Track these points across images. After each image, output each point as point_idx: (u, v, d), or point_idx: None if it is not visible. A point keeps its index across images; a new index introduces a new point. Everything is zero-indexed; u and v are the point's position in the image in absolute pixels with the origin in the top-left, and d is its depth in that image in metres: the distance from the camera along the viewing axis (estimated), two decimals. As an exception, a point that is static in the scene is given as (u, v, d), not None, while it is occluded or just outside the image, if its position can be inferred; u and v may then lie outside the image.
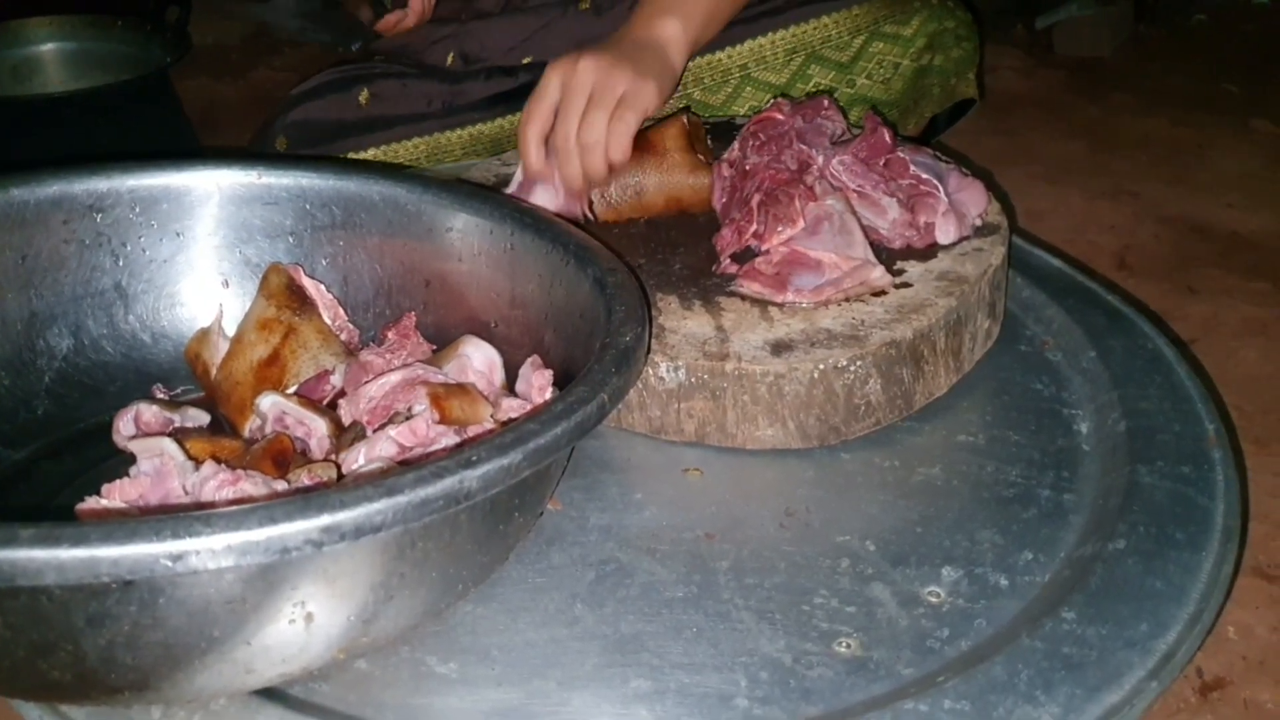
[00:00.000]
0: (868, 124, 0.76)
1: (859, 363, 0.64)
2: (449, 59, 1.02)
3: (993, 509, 0.62)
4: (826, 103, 0.79)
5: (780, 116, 0.77)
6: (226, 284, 0.69)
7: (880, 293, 0.69)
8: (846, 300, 0.68)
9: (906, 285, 0.70)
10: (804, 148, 0.74)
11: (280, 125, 1.01)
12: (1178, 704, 0.69)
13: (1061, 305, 0.78)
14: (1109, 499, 0.61)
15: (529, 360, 0.60)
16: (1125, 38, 1.80)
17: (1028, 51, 1.76)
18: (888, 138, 0.74)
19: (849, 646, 0.53)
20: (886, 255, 0.72)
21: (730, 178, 0.75)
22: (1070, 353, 0.75)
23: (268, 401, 0.61)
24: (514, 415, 0.58)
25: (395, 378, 0.60)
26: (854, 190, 0.72)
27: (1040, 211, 1.27)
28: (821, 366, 0.64)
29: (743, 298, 0.69)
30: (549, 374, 0.59)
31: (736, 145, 0.77)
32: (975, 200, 0.75)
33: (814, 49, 0.96)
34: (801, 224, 0.68)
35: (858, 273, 0.68)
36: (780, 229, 0.68)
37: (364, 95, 1.01)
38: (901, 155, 0.75)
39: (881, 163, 0.74)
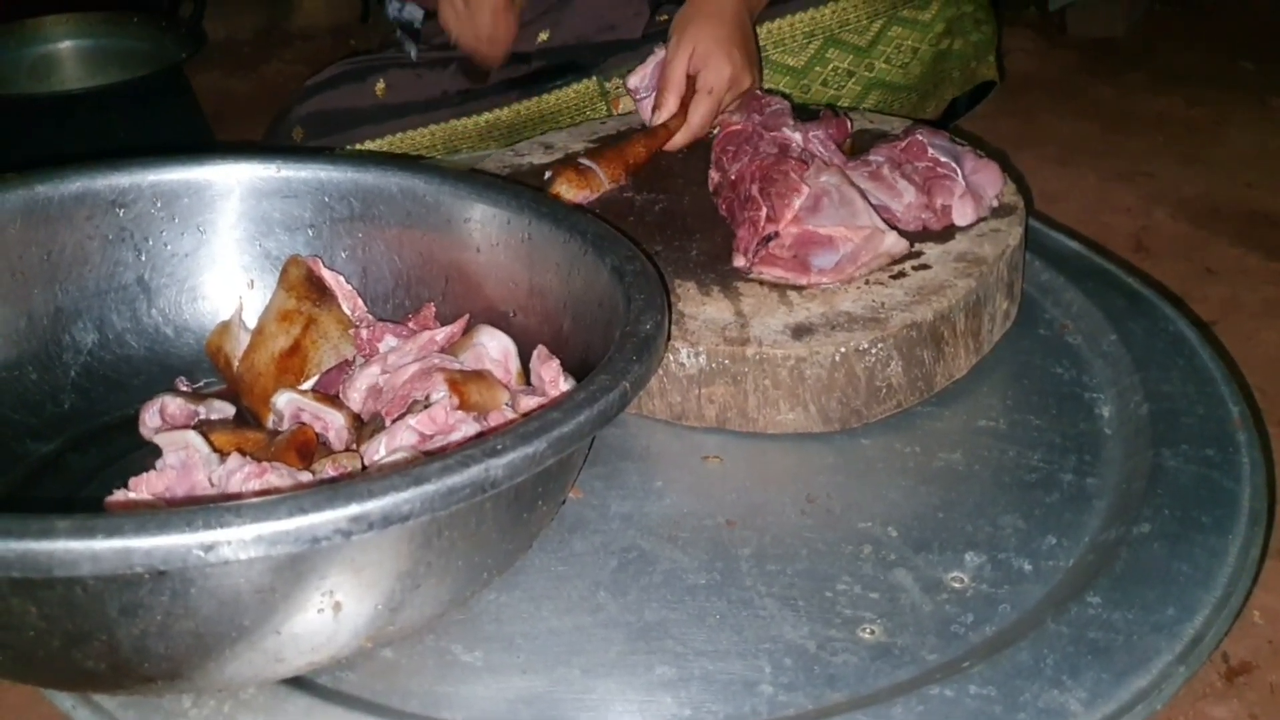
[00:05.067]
0: (825, 113, 0.79)
1: (880, 345, 0.64)
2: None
3: (1015, 494, 0.62)
4: (762, 95, 0.82)
5: (738, 125, 0.78)
6: (252, 285, 0.70)
7: (900, 274, 0.69)
8: (867, 282, 0.68)
9: (925, 267, 0.69)
10: (776, 134, 0.75)
11: (296, 116, 1.01)
12: (1204, 688, 0.69)
13: (1080, 288, 0.77)
14: (1132, 483, 0.61)
15: (536, 352, 0.60)
16: (1139, 17, 1.79)
17: (1040, 33, 1.75)
18: (849, 125, 0.80)
19: (873, 632, 0.53)
20: (903, 237, 0.72)
21: (724, 195, 0.76)
22: (1090, 336, 0.74)
23: (284, 399, 0.61)
24: (531, 408, 0.58)
25: (411, 366, 0.60)
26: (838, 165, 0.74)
27: (1055, 193, 1.27)
28: (843, 349, 0.63)
29: (761, 282, 0.69)
30: (556, 364, 0.59)
31: (713, 170, 0.79)
32: (991, 181, 0.75)
33: (832, 32, 0.95)
34: (806, 190, 0.68)
35: (871, 242, 0.68)
36: (789, 201, 0.68)
37: (379, 85, 1.01)
38: (919, 138, 0.75)
39: (901, 146, 0.74)
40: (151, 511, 0.40)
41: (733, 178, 0.75)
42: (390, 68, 1.02)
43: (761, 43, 0.95)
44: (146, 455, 0.58)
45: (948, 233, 0.73)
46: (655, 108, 0.85)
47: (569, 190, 0.78)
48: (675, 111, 0.84)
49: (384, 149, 1.00)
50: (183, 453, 0.56)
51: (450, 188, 0.67)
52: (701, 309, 0.67)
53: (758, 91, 0.85)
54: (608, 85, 1.00)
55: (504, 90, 1.00)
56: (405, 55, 1.05)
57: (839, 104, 1.00)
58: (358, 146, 1.00)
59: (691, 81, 0.85)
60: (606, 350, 0.52)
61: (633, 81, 0.88)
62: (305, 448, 0.58)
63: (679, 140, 0.84)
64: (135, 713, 0.48)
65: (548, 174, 0.79)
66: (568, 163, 0.80)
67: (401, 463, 0.54)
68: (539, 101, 1.00)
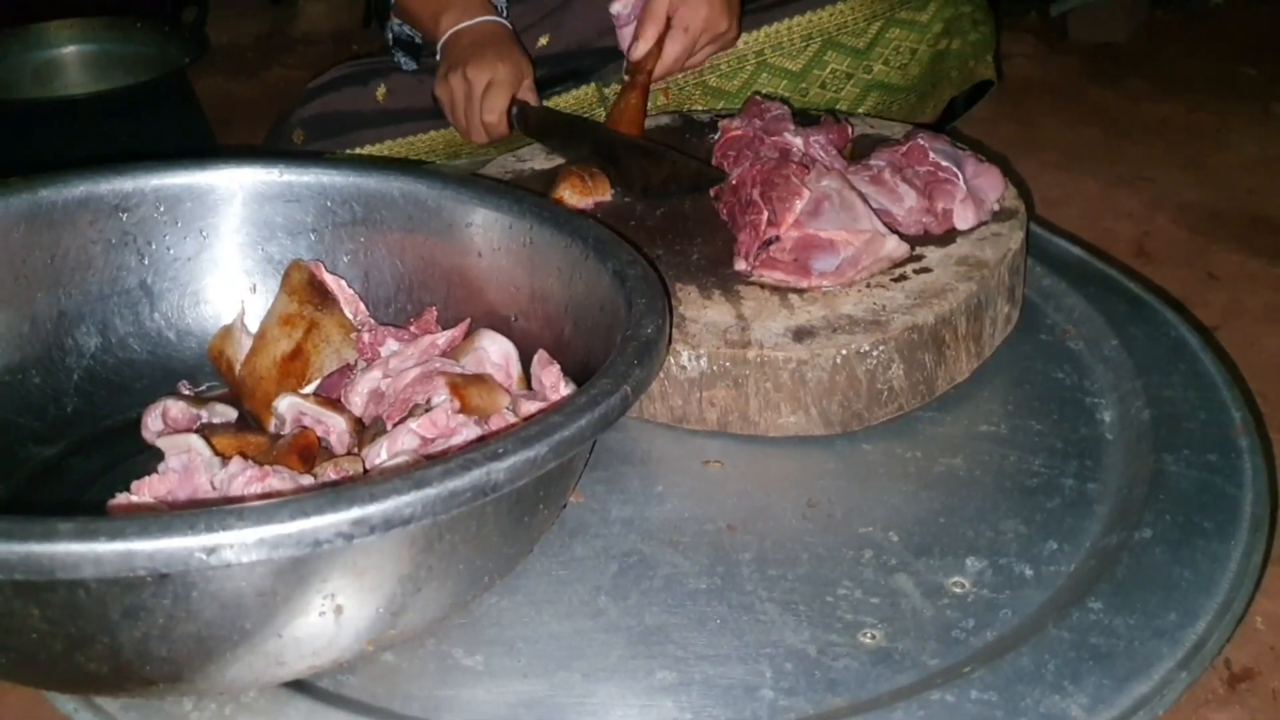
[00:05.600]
0: (826, 118, 0.80)
1: (881, 348, 0.64)
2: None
3: (1016, 499, 0.62)
4: (762, 100, 0.82)
5: (739, 131, 0.79)
6: (254, 289, 0.70)
7: (901, 277, 0.69)
8: (868, 285, 0.68)
9: (926, 270, 0.69)
10: (777, 138, 0.75)
11: (298, 119, 1.02)
12: (1206, 695, 0.68)
13: (1082, 293, 0.77)
14: (1134, 488, 0.61)
15: (536, 356, 0.60)
16: (1140, 23, 1.79)
17: (1042, 38, 1.75)
18: (850, 130, 0.80)
19: (874, 637, 0.53)
20: (904, 241, 0.72)
21: (725, 199, 0.76)
22: (1091, 341, 0.74)
23: (285, 403, 0.61)
24: (532, 413, 0.58)
25: (413, 370, 0.60)
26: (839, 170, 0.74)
27: (1056, 199, 1.27)
28: (844, 352, 0.63)
29: (762, 285, 0.69)
30: (556, 369, 0.59)
31: None
32: (993, 186, 0.75)
33: (830, 35, 0.96)
34: (807, 194, 0.68)
35: (872, 245, 0.68)
36: (790, 204, 0.68)
37: (381, 91, 1.01)
38: (920, 142, 0.75)
39: (902, 151, 0.75)
40: (154, 515, 0.40)
41: (734, 182, 0.75)
42: (392, 73, 1.03)
43: (759, 46, 0.96)
44: (149, 459, 0.58)
45: (949, 236, 0.73)
46: (634, 38, 0.88)
47: (572, 196, 0.78)
48: (651, 47, 0.88)
49: (385, 153, 1.00)
50: (185, 456, 0.56)
51: (452, 192, 0.67)
52: (703, 312, 0.67)
53: (758, 97, 0.85)
54: (606, 91, 1.00)
55: None
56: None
57: (838, 106, 1.00)
58: (358, 150, 1.00)
59: (669, 20, 0.88)
60: (608, 354, 0.53)
61: (615, 8, 0.91)
62: (307, 451, 0.58)
63: (655, 74, 0.88)
64: (137, 715, 0.48)
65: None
66: (572, 169, 0.81)
67: (403, 466, 0.54)
68: None
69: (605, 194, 0.80)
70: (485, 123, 0.91)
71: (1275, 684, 0.69)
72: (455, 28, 0.94)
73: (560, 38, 1.02)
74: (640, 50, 0.87)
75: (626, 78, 0.90)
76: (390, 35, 1.05)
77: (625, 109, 0.87)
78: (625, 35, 0.91)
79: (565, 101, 1.00)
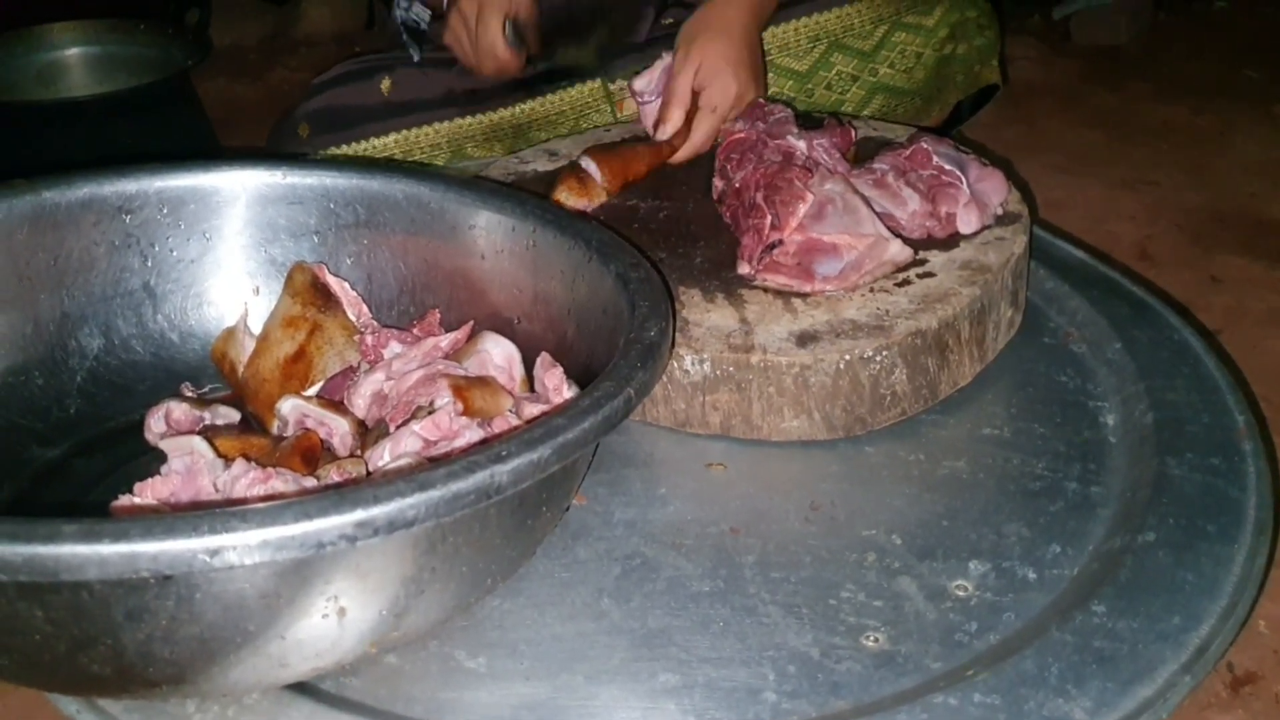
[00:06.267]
0: (829, 121, 0.79)
1: (884, 353, 0.64)
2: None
3: (1019, 502, 0.62)
4: (765, 104, 0.82)
5: (742, 133, 0.78)
6: (257, 291, 0.70)
7: (905, 282, 0.69)
8: (871, 289, 0.68)
9: (930, 275, 0.69)
10: (781, 142, 0.75)
11: (302, 113, 1.02)
12: (1209, 698, 0.68)
13: (1085, 296, 0.77)
14: (1137, 491, 0.61)
15: (539, 359, 0.60)
16: (1143, 26, 1.79)
17: (1045, 41, 1.75)
18: (853, 133, 0.80)
19: (877, 640, 0.53)
20: (908, 245, 0.72)
21: (728, 203, 0.76)
22: (1095, 344, 0.74)
23: (288, 405, 0.61)
24: (535, 415, 0.58)
25: (416, 372, 0.60)
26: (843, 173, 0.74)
27: (1059, 202, 1.26)
28: (847, 357, 0.63)
29: (765, 290, 0.69)
30: (559, 371, 0.59)
31: (717, 177, 0.79)
32: (996, 189, 0.75)
33: (837, 37, 0.96)
34: (811, 197, 0.68)
35: (875, 250, 0.68)
36: (794, 208, 0.68)
37: (385, 83, 1.01)
38: (923, 146, 0.75)
39: (905, 154, 0.75)
40: (157, 516, 0.40)
41: (737, 185, 0.75)
42: (396, 66, 1.03)
43: (766, 47, 0.96)
44: (152, 460, 0.58)
45: (952, 240, 0.73)
46: (659, 122, 0.85)
47: (569, 197, 0.79)
48: (679, 128, 0.85)
49: (389, 146, 1.00)
50: (188, 458, 0.56)
51: (455, 194, 0.67)
52: (706, 316, 0.67)
53: (760, 100, 0.85)
54: (613, 87, 1.00)
55: (510, 90, 1.00)
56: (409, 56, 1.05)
57: (843, 108, 1.00)
58: (363, 144, 1.00)
59: (696, 96, 0.85)
60: (611, 357, 0.53)
61: (638, 84, 0.88)
62: (310, 453, 0.58)
63: (681, 156, 0.85)
64: (139, 717, 0.48)
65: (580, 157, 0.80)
66: (570, 169, 0.81)
67: (406, 468, 0.54)
68: (544, 102, 1.00)
69: (600, 198, 0.80)
70: (483, 49, 0.89)
71: (1278, 687, 0.69)
72: None
73: (563, 38, 1.02)
74: (666, 133, 0.84)
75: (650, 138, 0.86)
76: (398, 19, 1.05)
77: (630, 165, 0.82)
78: (649, 112, 0.87)
79: (571, 97, 1.00)
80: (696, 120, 0.84)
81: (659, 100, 0.86)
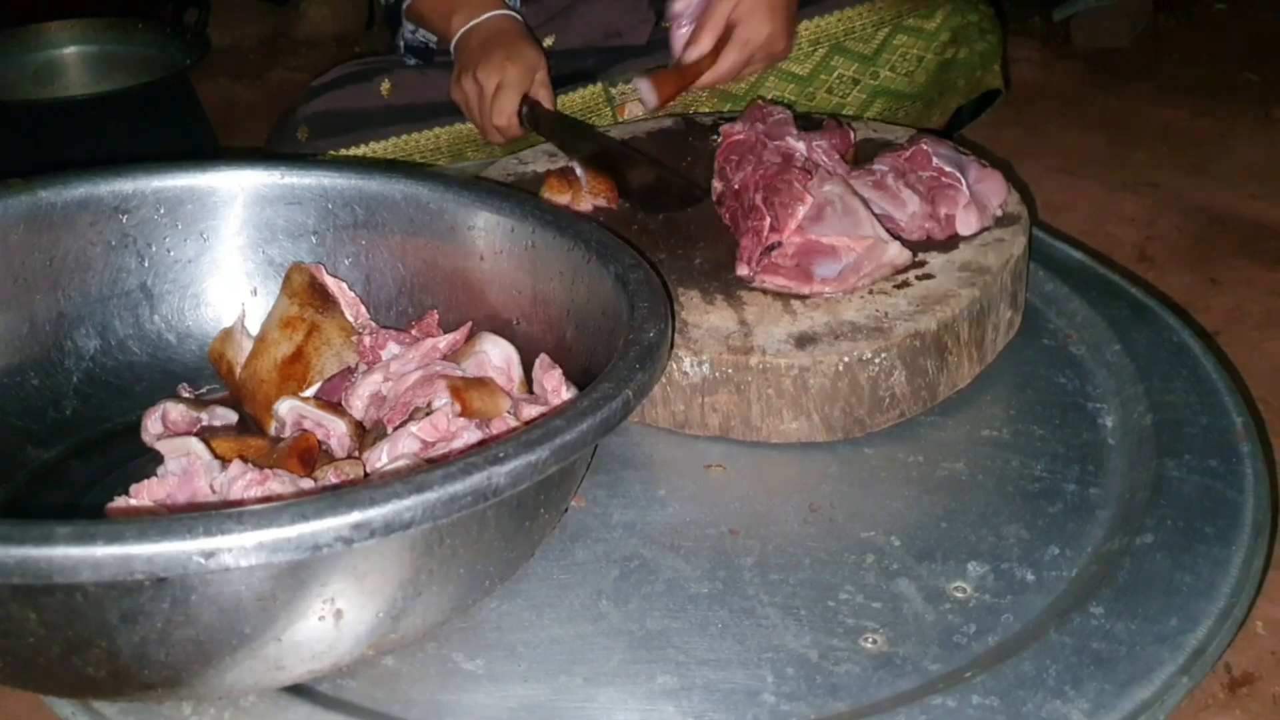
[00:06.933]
0: (829, 123, 0.80)
1: (883, 354, 0.64)
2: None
3: (1018, 504, 0.62)
4: (765, 105, 0.82)
5: (741, 135, 0.78)
6: (255, 291, 0.70)
7: (904, 283, 0.69)
8: (870, 291, 0.68)
9: (929, 276, 0.69)
10: (780, 143, 0.75)
11: (301, 116, 1.01)
12: (1206, 699, 0.68)
13: (1084, 298, 0.77)
14: (1136, 493, 0.61)
15: (538, 360, 0.60)
16: (1143, 29, 1.79)
17: (1045, 43, 1.75)
18: (852, 135, 0.80)
19: (875, 642, 0.53)
20: (907, 247, 0.71)
21: (727, 204, 0.76)
22: (1094, 346, 0.74)
23: (285, 406, 0.61)
24: (534, 417, 0.58)
25: (414, 374, 0.60)
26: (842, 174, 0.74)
27: (1059, 204, 1.27)
28: (846, 359, 0.63)
29: (764, 291, 0.69)
30: (558, 373, 0.59)
31: (717, 179, 0.79)
32: (995, 191, 0.75)
33: (838, 40, 0.96)
34: (810, 199, 0.68)
35: (874, 252, 0.68)
36: (793, 210, 0.68)
37: (385, 85, 1.01)
38: (923, 147, 0.75)
39: (905, 156, 0.74)
40: (152, 518, 0.40)
41: (736, 187, 0.75)
42: (396, 68, 1.03)
43: None
44: (148, 462, 0.58)
45: (951, 242, 0.73)
46: (690, 42, 0.87)
47: (556, 198, 0.78)
48: (708, 51, 0.86)
49: (388, 151, 1.00)
50: (184, 459, 0.56)
51: (454, 195, 0.67)
52: (705, 318, 0.67)
53: (760, 101, 0.85)
54: (613, 91, 1.00)
55: None
56: (411, 57, 1.05)
57: (844, 111, 1.00)
58: (361, 148, 1.00)
59: (730, 30, 0.87)
60: (610, 358, 0.52)
61: (677, 6, 0.90)
62: (307, 455, 0.58)
63: (704, 81, 0.87)
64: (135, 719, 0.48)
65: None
66: (557, 171, 0.81)
67: (404, 470, 0.54)
68: None
69: (581, 199, 0.80)
70: (496, 125, 0.91)
71: (1276, 689, 0.69)
72: (465, 27, 0.93)
73: (565, 39, 1.02)
74: (695, 54, 0.86)
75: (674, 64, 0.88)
76: (402, 44, 1.05)
77: (669, 80, 0.85)
78: (681, 36, 0.89)
79: (572, 100, 1.00)
80: (727, 49, 0.87)
81: (692, 26, 0.88)
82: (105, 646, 0.42)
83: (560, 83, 1.00)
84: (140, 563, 0.38)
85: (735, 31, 0.86)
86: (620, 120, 1.00)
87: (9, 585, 0.40)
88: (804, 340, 0.65)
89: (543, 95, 0.91)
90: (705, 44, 0.87)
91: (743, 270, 0.70)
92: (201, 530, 0.39)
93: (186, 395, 0.67)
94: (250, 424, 0.66)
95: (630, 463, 0.65)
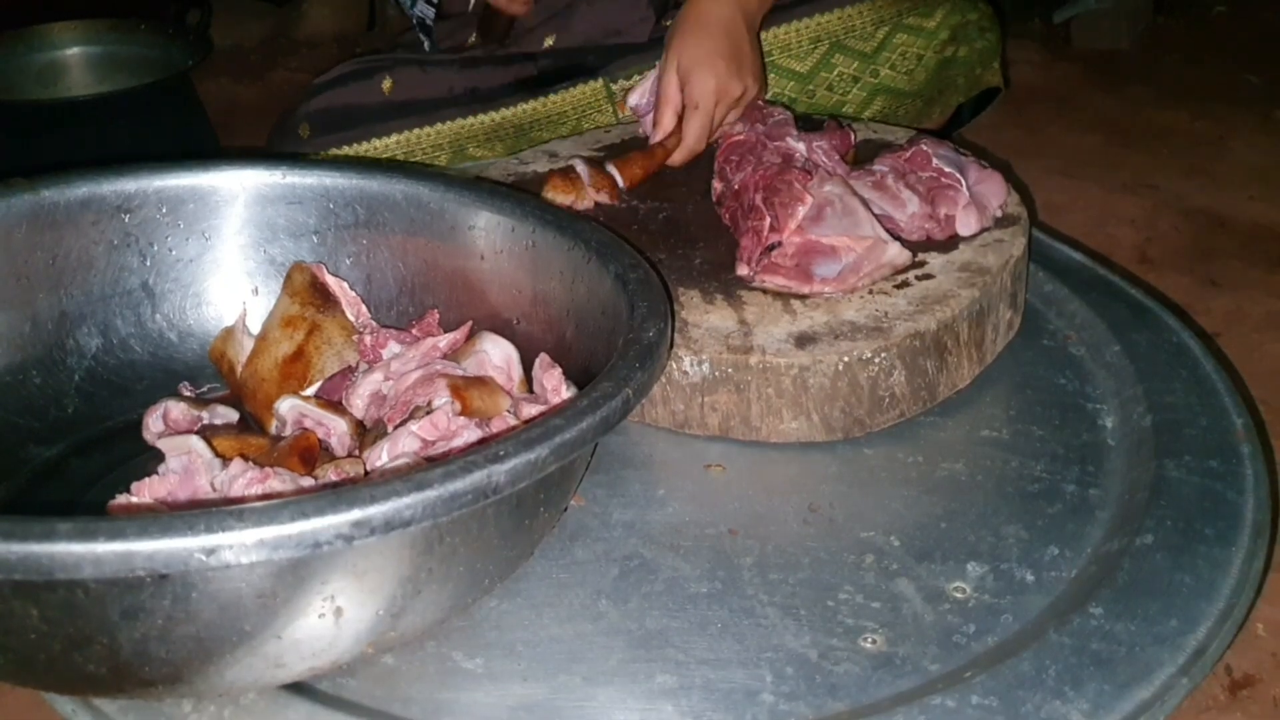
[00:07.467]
0: (829, 123, 0.79)
1: (883, 354, 0.64)
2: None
3: (1017, 504, 0.62)
4: (765, 106, 0.81)
5: (741, 136, 0.78)
6: (256, 291, 0.70)
7: (904, 284, 0.69)
8: (870, 291, 0.68)
9: (929, 277, 0.69)
10: (780, 144, 0.75)
11: (303, 113, 1.02)
12: (1206, 701, 0.68)
13: (1084, 299, 0.77)
14: (1135, 494, 0.61)
15: (538, 360, 0.60)
16: (1143, 30, 1.79)
17: (1045, 44, 1.75)
18: (852, 136, 0.80)
19: (875, 642, 0.53)
20: (907, 247, 0.72)
21: (727, 205, 0.76)
22: (1094, 347, 0.74)
23: (286, 405, 0.61)
24: (533, 416, 0.58)
25: (414, 373, 0.60)
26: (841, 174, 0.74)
27: (1059, 205, 1.27)
28: (846, 359, 0.63)
29: (764, 291, 0.69)
30: (558, 372, 0.59)
31: (716, 179, 0.78)
32: (995, 192, 0.75)
33: (838, 38, 0.96)
34: (810, 200, 0.68)
35: (874, 252, 0.68)
36: (793, 210, 0.68)
37: (387, 83, 1.01)
38: (923, 148, 0.75)
39: (905, 156, 0.75)
40: (153, 515, 0.40)
41: (736, 187, 0.75)
42: (397, 66, 1.03)
43: (768, 48, 0.96)
44: (149, 460, 0.58)
45: (951, 243, 0.73)
46: (655, 125, 0.85)
47: (559, 197, 0.79)
48: (672, 129, 0.84)
49: (390, 147, 1.00)
50: (185, 458, 0.56)
51: (455, 195, 0.67)
52: (705, 317, 0.67)
53: (760, 102, 0.85)
54: (614, 87, 1.00)
55: (511, 90, 1.00)
56: (418, 53, 1.05)
57: (844, 109, 1.00)
58: (363, 145, 1.00)
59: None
60: (609, 358, 0.53)
61: (633, 100, 0.88)
62: (308, 453, 0.58)
63: (677, 158, 0.84)
64: (135, 717, 0.48)
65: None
66: (559, 171, 0.81)
67: (404, 468, 0.54)
68: (546, 102, 1.00)
69: (585, 200, 0.80)
70: None
71: (1276, 691, 0.69)
72: None
73: (565, 39, 1.03)
74: (657, 136, 0.84)
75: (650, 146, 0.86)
76: (415, 19, 1.05)
77: (635, 164, 0.82)
78: (648, 124, 0.87)
79: (573, 97, 1.00)
80: (685, 120, 0.84)
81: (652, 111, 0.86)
82: (106, 643, 0.42)
83: (561, 78, 1.00)
84: (141, 559, 0.39)
85: (684, 96, 0.84)
86: (621, 116, 1.00)
87: (10, 582, 0.40)
88: (804, 340, 0.65)
89: None
90: (667, 123, 0.83)
91: (743, 270, 0.71)
92: (202, 527, 0.39)
93: (188, 394, 0.67)
94: (251, 423, 0.66)
95: (630, 462, 0.65)
